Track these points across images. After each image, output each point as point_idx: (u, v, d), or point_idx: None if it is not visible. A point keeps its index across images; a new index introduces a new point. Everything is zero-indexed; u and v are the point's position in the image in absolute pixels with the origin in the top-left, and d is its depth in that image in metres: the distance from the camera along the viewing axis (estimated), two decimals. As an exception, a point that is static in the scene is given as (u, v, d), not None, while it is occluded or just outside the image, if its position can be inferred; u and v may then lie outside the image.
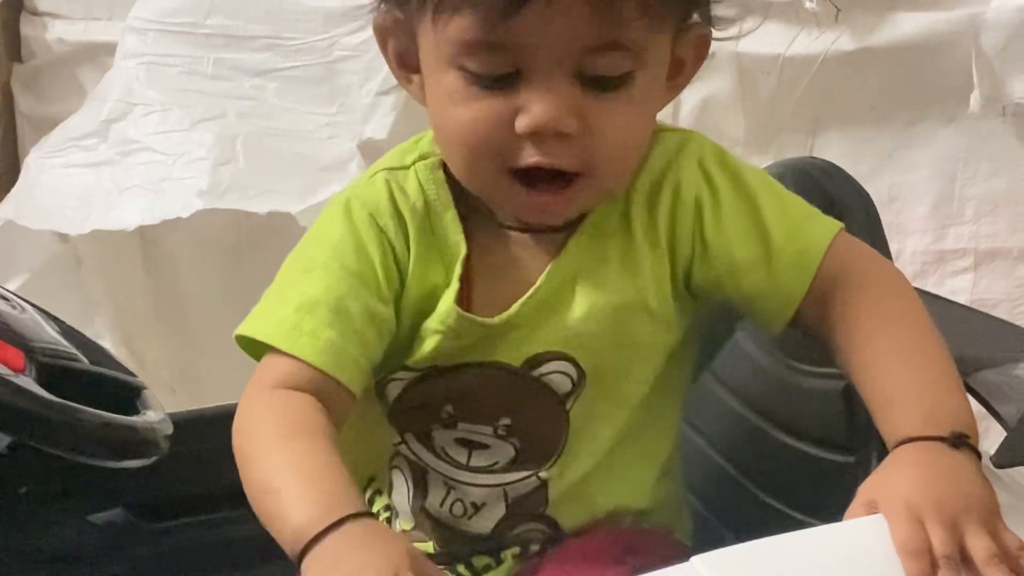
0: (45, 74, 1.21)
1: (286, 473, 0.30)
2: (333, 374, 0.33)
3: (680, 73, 0.37)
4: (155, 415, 0.52)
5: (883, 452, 0.35)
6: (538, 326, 0.38)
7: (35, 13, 1.22)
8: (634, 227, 0.38)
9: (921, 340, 0.35)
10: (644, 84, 0.33)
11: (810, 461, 0.45)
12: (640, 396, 0.40)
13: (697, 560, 0.27)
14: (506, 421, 0.40)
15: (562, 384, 0.39)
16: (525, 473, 0.41)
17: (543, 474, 0.40)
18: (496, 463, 0.40)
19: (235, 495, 0.35)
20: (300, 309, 0.35)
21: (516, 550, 0.42)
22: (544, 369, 0.39)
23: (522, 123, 0.31)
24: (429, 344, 0.38)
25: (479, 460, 0.40)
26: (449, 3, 0.31)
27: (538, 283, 0.37)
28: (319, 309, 0.35)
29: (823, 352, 0.39)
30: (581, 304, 0.38)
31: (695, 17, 0.36)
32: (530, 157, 0.32)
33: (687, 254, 0.38)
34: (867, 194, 0.42)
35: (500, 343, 0.38)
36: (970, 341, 0.43)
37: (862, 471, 0.40)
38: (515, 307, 0.37)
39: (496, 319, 0.37)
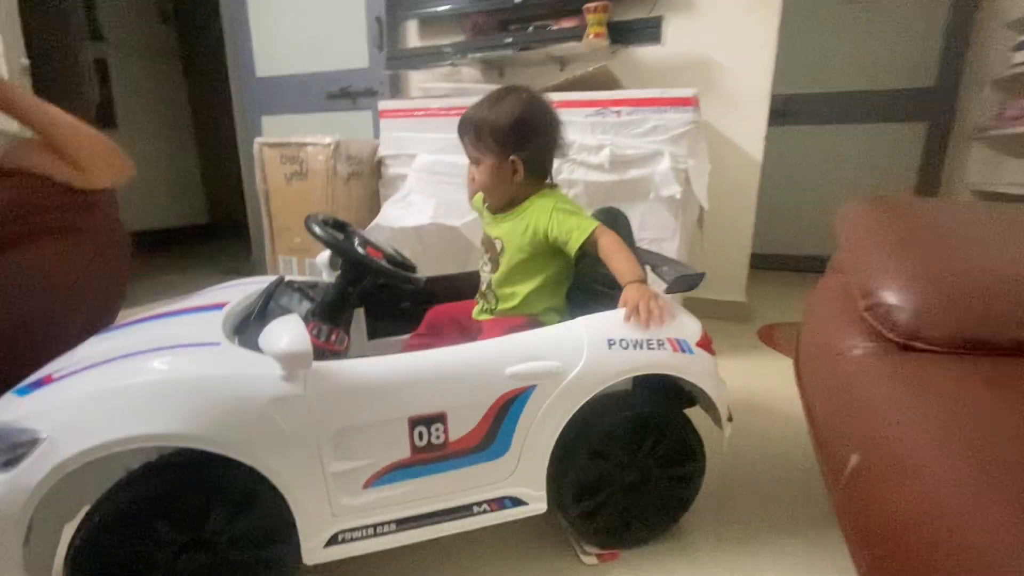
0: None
1: None
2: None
3: (516, 170, 1.05)
4: (419, 274, 1.07)
5: (621, 289, 0.97)
6: (495, 226, 1.11)
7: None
8: (527, 214, 1.06)
9: (626, 254, 1.00)
10: (485, 166, 1.05)
11: (604, 293, 1.07)
12: (522, 256, 1.06)
13: (581, 319, 0.93)
14: (489, 255, 1.11)
15: (498, 245, 1.09)
16: (491, 274, 1.11)
17: (494, 275, 1.09)
18: (487, 268, 1.12)
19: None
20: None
21: (490, 306, 1.10)
22: (496, 241, 1.10)
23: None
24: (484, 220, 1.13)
25: (485, 268, 1.12)
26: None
27: (496, 217, 1.11)
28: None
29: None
30: (507, 226, 1.08)
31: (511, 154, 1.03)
32: (472, 183, 1.10)
33: (543, 227, 1.04)
34: (624, 215, 1.14)
35: (491, 229, 1.12)
36: (647, 257, 1.09)
37: (618, 295, 0.97)
38: (489, 217, 1.12)
39: (493, 217, 1.11)
